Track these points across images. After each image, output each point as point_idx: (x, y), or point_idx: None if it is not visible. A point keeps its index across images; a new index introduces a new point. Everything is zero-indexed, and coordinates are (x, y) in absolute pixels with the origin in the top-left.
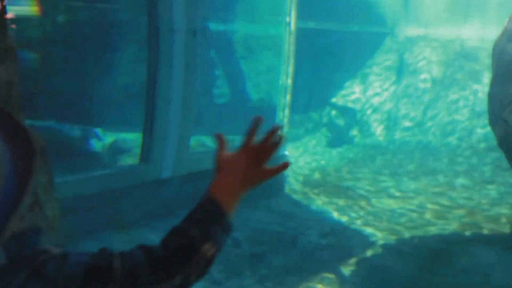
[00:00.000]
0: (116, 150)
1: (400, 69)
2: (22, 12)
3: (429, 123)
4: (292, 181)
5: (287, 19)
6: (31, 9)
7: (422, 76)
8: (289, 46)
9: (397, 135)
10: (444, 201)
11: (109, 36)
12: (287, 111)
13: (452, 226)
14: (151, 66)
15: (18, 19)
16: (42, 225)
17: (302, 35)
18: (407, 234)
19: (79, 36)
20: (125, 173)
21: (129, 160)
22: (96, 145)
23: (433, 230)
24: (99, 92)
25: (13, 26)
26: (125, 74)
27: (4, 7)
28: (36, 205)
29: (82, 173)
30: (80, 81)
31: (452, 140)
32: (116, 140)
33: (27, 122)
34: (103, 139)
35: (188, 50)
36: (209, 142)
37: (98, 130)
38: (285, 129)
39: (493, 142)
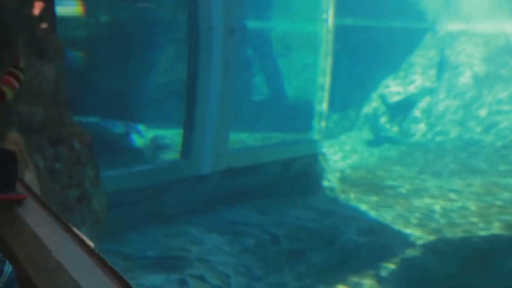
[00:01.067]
0: (156, 146)
1: (441, 66)
2: (68, 12)
3: (472, 121)
4: (330, 178)
5: (325, 16)
6: (76, 9)
7: (464, 72)
8: (326, 43)
9: (439, 133)
10: (487, 201)
11: (150, 34)
12: (324, 109)
13: (496, 227)
14: (191, 64)
15: (64, 19)
16: (90, 218)
17: (340, 32)
18: (448, 234)
19: (121, 35)
20: (166, 168)
21: (168, 156)
22: (138, 141)
23: (475, 230)
24: (141, 89)
25: (60, 25)
26: (165, 71)
27: (53, 8)
28: (85, 198)
29: (125, 168)
30: (122, 79)
31: (496, 138)
32: (156, 136)
33: (75, 119)
34: (144, 135)
35: (226, 48)
36: (247, 139)
37: (140, 127)
38: (323, 127)
39: None
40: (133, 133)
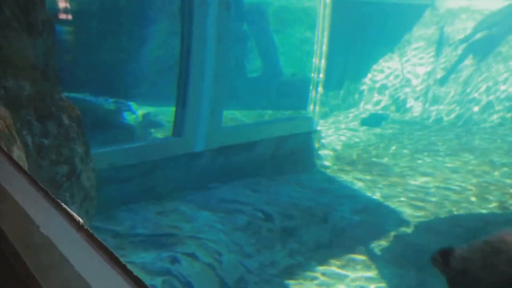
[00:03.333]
0: (149, 123)
1: (440, 43)
2: None
3: (469, 100)
4: (325, 157)
5: None
6: None
7: (463, 50)
8: (323, 18)
9: (435, 111)
10: (482, 181)
11: (142, 8)
12: (320, 86)
13: (490, 206)
14: (184, 39)
15: None
16: (79, 195)
17: (337, 6)
18: (443, 213)
19: (113, 9)
20: (158, 145)
21: (160, 133)
22: (129, 118)
23: (470, 209)
24: (133, 65)
25: None
26: (158, 47)
27: None
28: (73, 174)
29: (116, 145)
30: (113, 54)
31: (494, 117)
32: (148, 113)
33: (64, 95)
34: (136, 112)
35: (221, 23)
36: (241, 117)
37: (132, 104)
38: (318, 105)
39: None
40: (124, 110)
